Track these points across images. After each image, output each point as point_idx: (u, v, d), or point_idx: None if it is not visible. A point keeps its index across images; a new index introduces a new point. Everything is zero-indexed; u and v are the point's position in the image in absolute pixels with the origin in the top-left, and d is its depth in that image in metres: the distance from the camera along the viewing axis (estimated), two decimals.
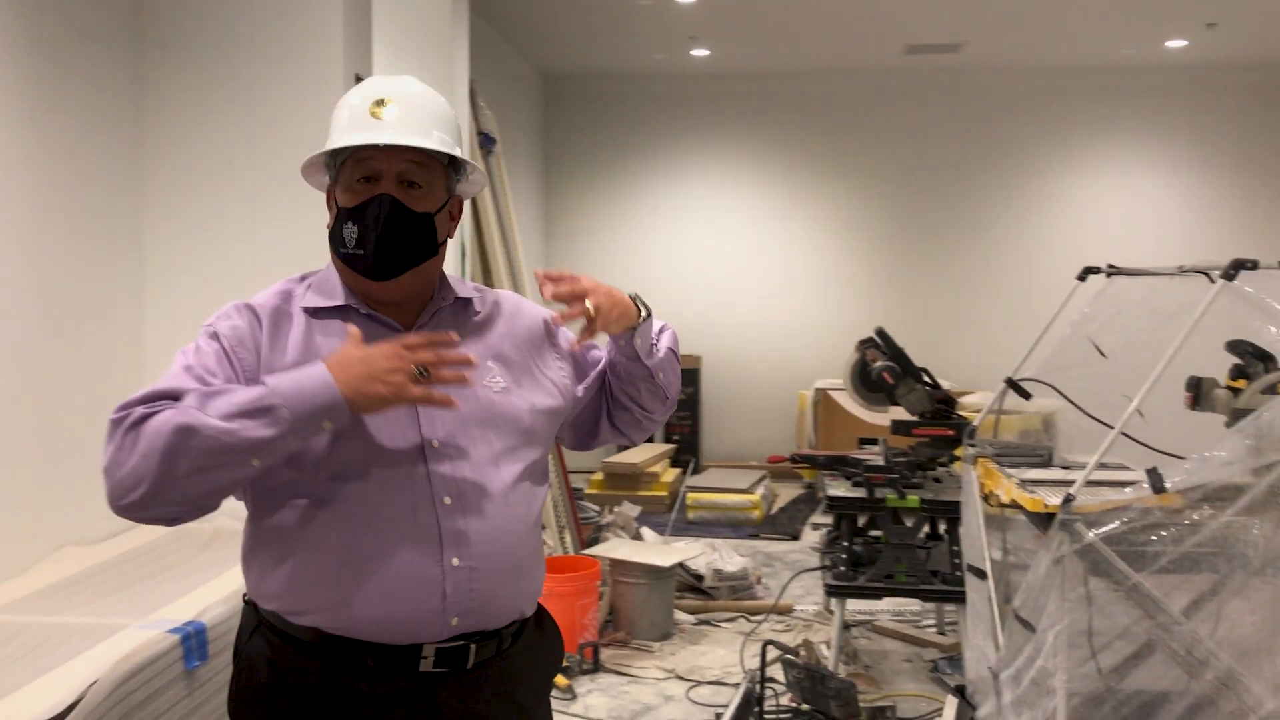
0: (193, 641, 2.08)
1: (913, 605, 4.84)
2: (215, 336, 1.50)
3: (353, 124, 1.52)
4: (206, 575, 2.49)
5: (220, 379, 1.44)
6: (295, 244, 3.09)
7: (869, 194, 8.31)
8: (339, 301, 1.56)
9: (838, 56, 7.71)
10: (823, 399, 7.41)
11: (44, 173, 2.64)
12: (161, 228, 3.10)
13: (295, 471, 1.46)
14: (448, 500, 1.50)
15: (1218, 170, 7.99)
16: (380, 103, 1.51)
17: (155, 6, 3.05)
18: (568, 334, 1.73)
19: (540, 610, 1.68)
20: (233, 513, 2.94)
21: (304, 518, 1.48)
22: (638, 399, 1.74)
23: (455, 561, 1.49)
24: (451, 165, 1.57)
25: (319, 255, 3.05)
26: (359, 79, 3.19)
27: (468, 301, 1.64)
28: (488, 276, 4.99)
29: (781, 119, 8.34)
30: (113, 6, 2.92)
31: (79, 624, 2.14)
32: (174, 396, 1.37)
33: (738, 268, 8.50)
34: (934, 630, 4.61)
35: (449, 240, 1.60)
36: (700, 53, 7.58)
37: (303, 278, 1.61)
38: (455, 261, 4.38)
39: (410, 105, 1.53)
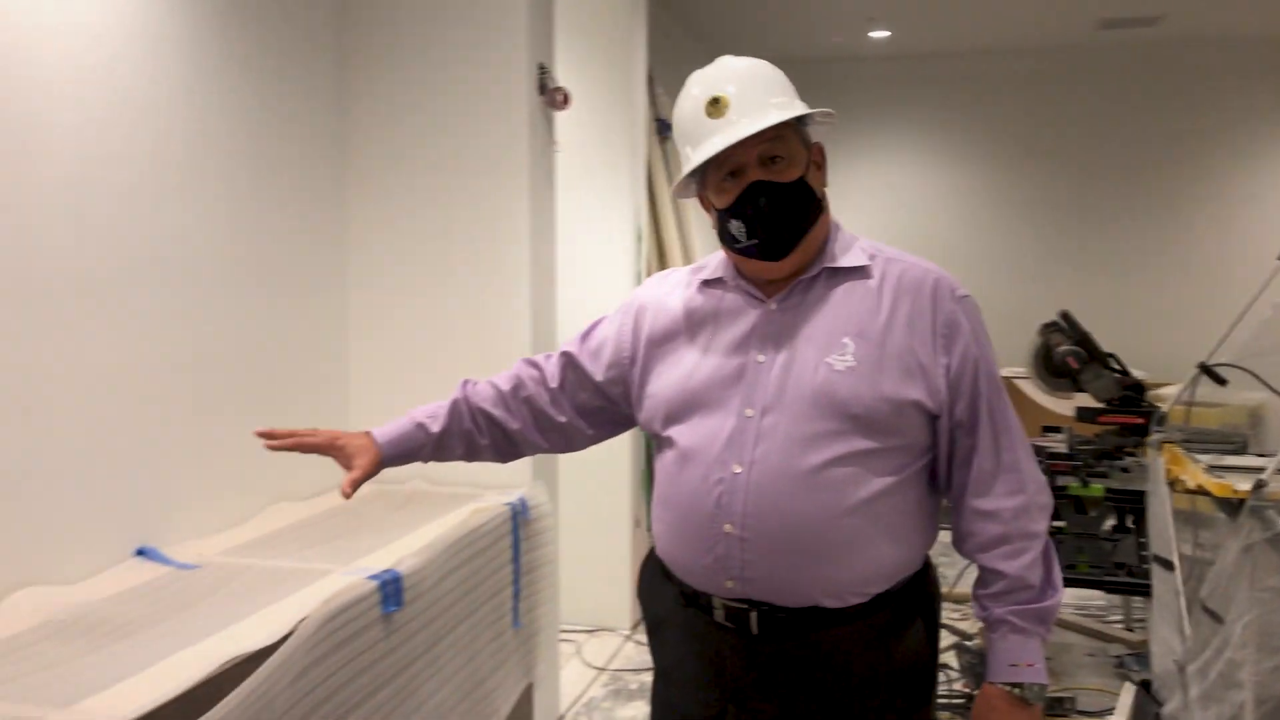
0: (390, 588, 2.24)
1: (1098, 600, 4.67)
2: (621, 311, 1.82)
3: (700, 133, 1.60)
4: (401, 532, 2.66)
5: (595, 344, 1.82)
6: (487, 238, 3.19)
7: (1051, 176, 7.97)
8: (719, 275, 1.71)
9: (1024, 34, 7.44)
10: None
11: (257, 184, 2.82)
12: (361, 224, 3.26)
13: (643, 414, 1.73)
14: (737, 469, 1.55)
15: None
16: (715, 102, 1.58)
17: (357, 12, 3.24)
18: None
19: (892, 615, 1.58)
20: (425, 476, 3.11)
21: (657, 452, 1.72)
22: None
23: (727, 528, 1.55)
24: (798, 119, 1.61)
25: (508, 246, 3.12)
26: (542, 69, 3.32)
27: (841, 270, 1.63)
28: (663, 260, 5.08)
29: (963, 101, 8.11)
30: (320, 11, 3.14)
31: (290, 568, 2.34)
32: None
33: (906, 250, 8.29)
34: (1120, 626, 4.43)
35: (824, 194, 1.65)
36: (880, 34, 7.46)
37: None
38: (632, 246, 4.47)
39: (740, 91, 1.59)
